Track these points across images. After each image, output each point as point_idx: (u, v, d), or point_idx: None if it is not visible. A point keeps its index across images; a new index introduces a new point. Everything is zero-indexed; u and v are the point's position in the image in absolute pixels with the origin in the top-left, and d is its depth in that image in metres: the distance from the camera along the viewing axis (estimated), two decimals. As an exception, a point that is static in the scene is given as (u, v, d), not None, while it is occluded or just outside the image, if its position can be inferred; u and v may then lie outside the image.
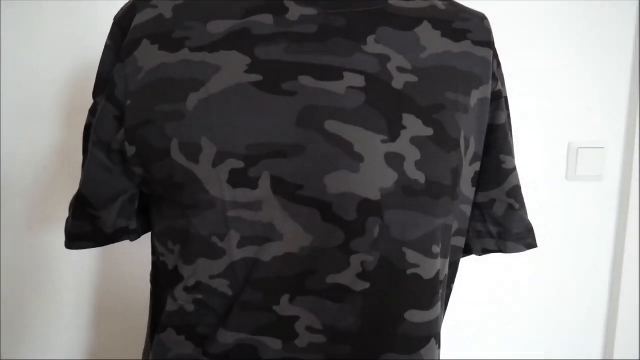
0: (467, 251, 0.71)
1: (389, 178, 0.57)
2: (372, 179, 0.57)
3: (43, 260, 1.06)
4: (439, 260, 0.62)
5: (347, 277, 0.58)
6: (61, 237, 1.06)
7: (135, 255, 1.07)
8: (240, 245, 0.58)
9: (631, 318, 1.27)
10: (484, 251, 0.70)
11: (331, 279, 0.58)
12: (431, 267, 0.60)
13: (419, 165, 0.58)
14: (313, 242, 0.58)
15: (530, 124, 1.18)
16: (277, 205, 0.57)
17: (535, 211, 1.20)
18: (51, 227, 1.05)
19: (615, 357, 1.28)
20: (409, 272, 0.59)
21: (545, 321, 1.28)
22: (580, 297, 1.28)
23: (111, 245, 1.07)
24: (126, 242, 1.06)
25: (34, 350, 1.08)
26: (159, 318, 0.65)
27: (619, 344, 1.28)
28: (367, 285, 0.58)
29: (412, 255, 0.59)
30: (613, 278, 1.28)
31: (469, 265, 1.18)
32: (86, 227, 0.67)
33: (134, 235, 0.69)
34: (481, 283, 1.24)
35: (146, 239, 0.71)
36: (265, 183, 0.57)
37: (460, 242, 0.68)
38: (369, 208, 0.57)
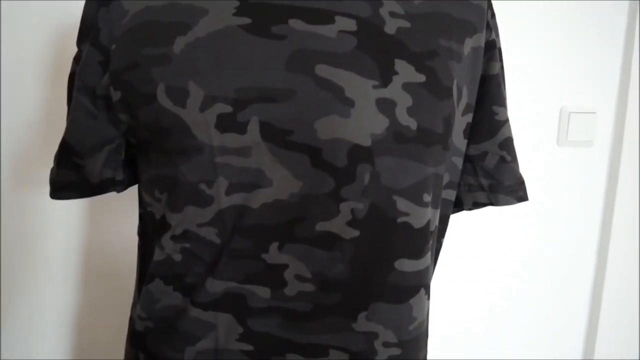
0: (458, 205, 0.70)
1: (380, 124, 0.56)
2: (363, 124, 0.56)
3: (30, 220, 1.05)
4: (430, 210, 0.61)
5: (337, 225, 0.58)
6: (48, 198, 1.05)
7: (124, 215, 1.06)
8: (229, 192, 0.58)
9: (619, 284, 1.29)
10: (475, 205, 0.70)
11: (321, 226, 0.58)
12: (421, 215, 0.60)
13: (410, 111, 0.57)
14: (302, 189, 0.57)
15: (522, 88, 1.18)
16: (266, 150, 0.56)
17: (525, 176, 1.21)
18: (37, 186, 1.04)
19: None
20: (399, 220, 0.59)
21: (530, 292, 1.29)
22: (567, 262, 1.28)
23: (100, 205, 1.06)
24: (115, 201, 1.06)
25: (24, 311, 1.07)
26: (147, 269, 0.65)
27: (605, 304, 1.29)
28: (356, 233, 0.58)
29: (402, 204, 0.58)
30: (601, 245, 1.28)
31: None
32: (71, 177, 0.65)
33: (120, 187, 0.68)
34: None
35: (135, 198, 0.70)
36: (254, 128, 0.56)
37: (451, 195, 0.67)
38: (359, 154, 0.56)
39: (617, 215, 1.25)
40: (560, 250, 1.27)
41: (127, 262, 0.93)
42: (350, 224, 0.58)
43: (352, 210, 0.57)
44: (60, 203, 1.04)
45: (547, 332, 1.33)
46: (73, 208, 1.05)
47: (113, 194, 1.03)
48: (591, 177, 1.25)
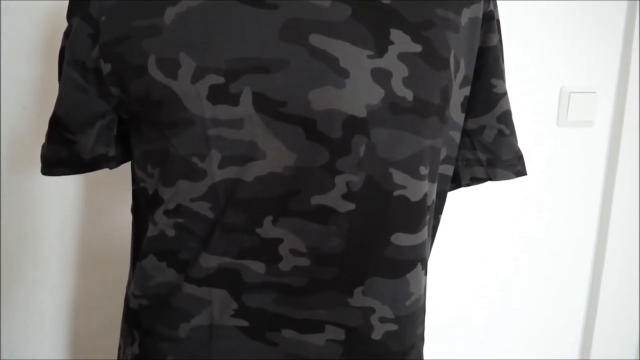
0: (455, 181, 0.69)
1: (376, 94, 0.55)
2: (358, 95, 0.55)
3: (26, 202, 1.04)
4: (426, 183, 0.60)
5: (332, 198, 0.57)
6: (44, 181, 1.05)
7: (120, 195, 1.05)
8: (222, 165, 0.57)
9: (618, 264, 1.28)
10: (473, 180, 0.69)
11: (315, 199, 0.57)
12: (418, 189, 0.59)
13: (406, 82, 0.56)
14: (297, 161, 0.56)
15: (522, 68, 1.16)
16: (260, 122, 0.55)
17: (524, 157, 1.20)
18: (32, 169, 1.03)
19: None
20: (395, 193, 0.58)
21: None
22: (567, 247, 1.27)
23: (95, 188, 1.06)
24: (110, 185, 1.05)
25: (23, 296, 1.07)
26: (140, 246, 0.64)
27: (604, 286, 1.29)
28: (352, 206, 0.57)
29: (398, 176, 0.58)
30: (600, 227, 1.27)
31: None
32: (63, 152, 0.64)
33: (113, 163, 0.67)
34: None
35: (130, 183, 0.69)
36: (246, 99, 0.55)
37: (448, 170, 0.66)
38: (354, 125, 0.55)
39: (617, 196, 1.24)
40: (559, 234, 1.26)
41: (123, 244, 0.92)
42: (345, 197, 0.57)
43: (347, 183, 0.56)
44: (56, 185, 1.03)
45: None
46: (69, 189, 1.04)
47: (108, 173, 1.02)
48: (591, 158, 1.24)
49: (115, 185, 1.04)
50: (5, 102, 1.00)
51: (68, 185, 1.04)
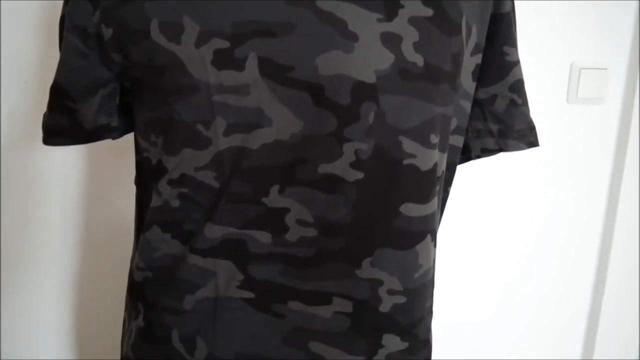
0: (465, 152, 0.68)
1: (385, 59, 0.54)
2: (367, 60, 0.53)
3: (27, 180, 1.03)
4: (437, 153, 0.59)
5: (340, 167, 0.55)
6: (47, 157, 1.04)
7: (124, 174, 1.04)
8: (227, 133, 0.55)
9: (625, 245, 1.26)
10: (483, 151, 0.67)
11: (323, 168, 0.55)
12: (428, 157, 0.57)
13: (417, 47, 0.54)
14: (304, 129, 0.54)
15: (531, 43, 1.14)
16: (266, 88, 0.54)
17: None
18: (34, 144, 1.02)
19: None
20: (405, 162, 0.56)
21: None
22: (573, 231, 1.26)
23: (99, 163, 1.04)
24: (114, 159, 1.04)
25: (26, 276, 1.06)
26: (145, 218, 0.63)
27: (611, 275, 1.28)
28: (360, 175, 0.56)
29: (408, 145, 0.56)
30: (609, 207, 1.26)
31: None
32: (64, 121, 0.63)
33: (115, 134, 0.66)
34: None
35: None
36: (252, 64, 0.53)
37: (458, 141, 0.65)
38: (363, 91, 0.54)
39: (627, 174, 1.22)
40: (566, 216, 1.25)
41: (127, 222, 0.91)
42: (353, 165, 0.55)
43: (355, 152, 0.55)
44: (58, 160, 1.02)
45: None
46: (72, 165, 1.03)
47: (112, 147, 1.01)
48: (601, 136, 1.22)
49: (119, 158, 1.03)
50: (6, 76, 0.99)
51: (70, 160, 1.03)
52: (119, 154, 1.02)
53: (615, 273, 1.27)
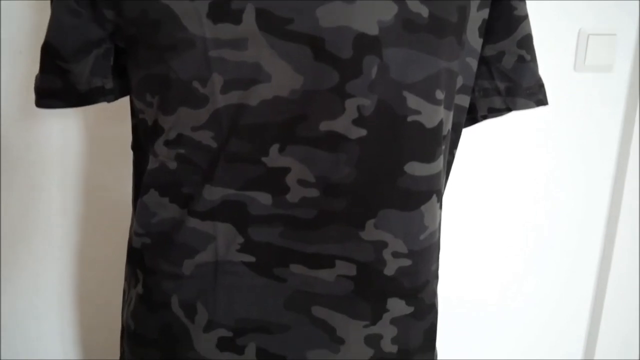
0: (471, 112, 0.65)
1: (388, 10, 0.52)
2: (370, 11, 0.51)
3: (25, 152, 1.02)
4: (442, 110, 0.57)
5: (342, 124, 0.53)
6: (44, 128, 1.02)
7: (123, 143, 1.02)
8: (224, 90, 0.53)
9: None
10: (490, 111, 0.65)
11: (324, 125, 0.54)
12: (433, 114, 0.55)
13: None
14: (304, 84, 0.53)
15: (538, 9, 1.10)
16: (264, 42, 0.52)
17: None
18: (30, 116, 1.00)
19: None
20: (409, 119, 0.54)
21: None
22: (580, 200, 1.24)
23: (98, 136, 1.03)
24: (113, 133, 1.02)
25: (26, 251, 1.06)
26: (141, 183, 0.61)
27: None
28: (363, 132, 0.54)
29: (413, 100, 0.54)
30: (616, 178, 1.23)
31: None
32: (56, 83, 0.61)
33: (110, 96, 0.64)
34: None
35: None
36: (250, 17, 0.51)
37: (464, 100, 0.63)
38: (365, 44, 0.52)
39: (634, 145, 1.20)
40: (572, 188, 1.22)
41: (127, 193, 0.90)
42: (356, 122, 0.53)
43: (358, 107, 0.53)
44: (57, 132, 1.00)
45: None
46: (71, 134, 1.01)
47: (109, 115, 0.99)
48: (609, 104, 1.19)
49: (118, 125, 1.01)
50: (1, 47, 0.97)
51: (69, 131, 1.01)
52: (119, 123, 1.00)
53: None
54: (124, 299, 0.69)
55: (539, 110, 1.11)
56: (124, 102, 0.66)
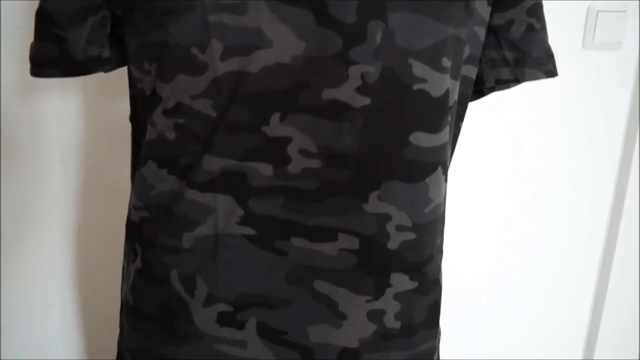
0: (478, 84, 0.64)
1: None
2: None
3: (24, 129, 1.00)
4: (449, 79, 0.55)
5: (345, 92, 0.52)
6: (44, 104, 1.00)
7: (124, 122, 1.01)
8: (224, 56, 0.52)
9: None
10: (498, 82, 0.63)
11: (327, 93, 0.52)
12: (440, 82, 0.54)
13: None
14: (306, 50, 0.51)
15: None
16: (265, 6, 0.50)
17: (544, 82, 1.13)
18: (30, 91, 0.98)
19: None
20: (415, 87, 0.53)
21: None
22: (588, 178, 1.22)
23: (97, 110, 1.01)
24: (112, 107, 1.01)
25: (28, 230, 1.05)
26: (140, 156, 0.60)
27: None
28: (367, 100, 0.52)
29: (418, 68, 0.52)
30: (624, 157, 1.21)
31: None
32: (52, 51, 0.59)
33: (107, 66, 0.62)
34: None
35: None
36: None
37: (471, 72, 0.61)
38: (370, 9, 0.50)
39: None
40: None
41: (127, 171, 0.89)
42: (360, 90, 0.52)
43: (362, 75, 0.51)
44: (56, 108, 0.99)
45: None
46: (70, 107, 1.00)
47: (111, 86, 0.97)
48: (618, 83, 1.17)
49: (118, 102, 1.00)
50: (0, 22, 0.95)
51: (69, 105, 1.00)
52: (120, 99, 0.99)
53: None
54: (123, 275, 0.68)
55: (547, 86, 1.10)
56: (124, 77, 0.65)
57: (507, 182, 1.19)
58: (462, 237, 1.16)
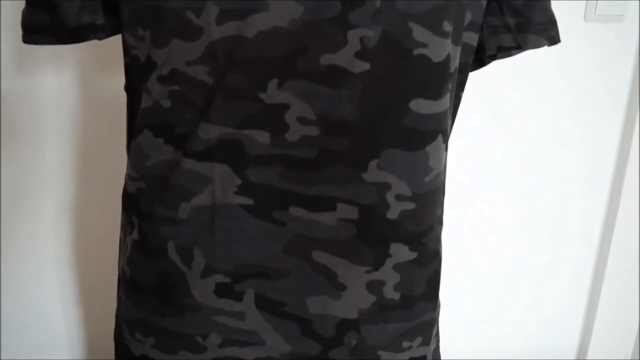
0: (479, 53, 0.62)
1: None
2: None
3: (24, 103, 0.99)
4: (450, 44, 0.54)
5: (344, 57, 0.51)
6: (39, 79, 0.99)
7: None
8: (220, 20, 0.50)
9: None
10: (500, 50, 0.62)
11: (325, 59, 0.51)
12: (441, 47, 0.52)
13: None
14: (304, 14, 0.50)
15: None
16: None
17: (546, 56, 1.12)
18: (30, 65, 0.97)
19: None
20: (415, 52, 0.52)
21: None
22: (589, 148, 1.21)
23: (94, 87, 1.00)
24: (109, 80, 0.99)
25: (26, 204, 1.04)
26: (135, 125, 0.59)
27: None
28: (366, 66, 0.51)
29: (419, 32, 0.51)
30: (625, 129, 1.20)
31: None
32: (44, 18, 0.58)
33: (101, 33, 0.60)
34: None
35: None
36: None
37: (472, 39, 0.59)
38: None
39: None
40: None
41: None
42: (359, 55, 0.51)
43: (361, 39, 0.50)
44: (55, 83, 0.97)
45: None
46: (67, 83, 0.99)
47: (108, 59, 0.96)
48: (619, 55, 1.16)
49: (114, 75, 0.98)
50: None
51: (65, 80, 0.98)
52: (116, 68, 0.98)
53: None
54: (120, 247, 0.67)
55: (547, 58, 1.08)
56: (120, 50, 0.64)
57: (506, 160, 1.18)
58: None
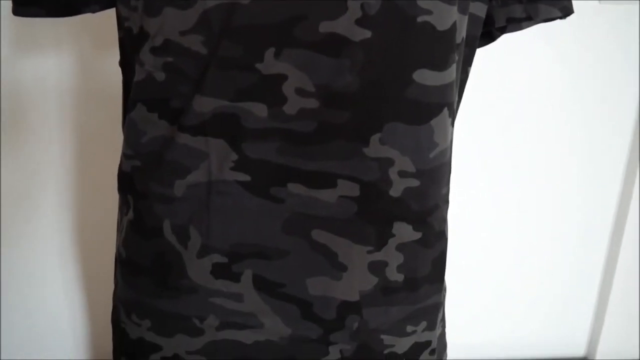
0: (488, 25, 0.60)
1: None
2: None
3: (23, 89, 0.98)
4: (456, 11, 0.51)
5: (344, 24, 0.48)
6: (38, 70, 0.98)
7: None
8: None
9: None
10: (509, 21, 0.59)
11: (325, 26, 0.48)
12: (446, 14, 0.50)
13: None
14: None
15: None
16: None
17: (560, 39, 1.09)
18: (30, 48, 0.96)
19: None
20: (419, 19, 0.49)
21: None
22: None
23: (93, 72, 0.98)
24: (107, 65, 0.98)
25: (27, 195, 1.03)
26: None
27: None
28: (368, 34, 0.49)
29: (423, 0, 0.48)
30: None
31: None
32: (35, -13, 0.56)
33: (95, 6, 0.58)
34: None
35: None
36: None
37: (480, 10, 0.57)
38: None
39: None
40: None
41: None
42: (360, 22, 0.48)
43: (362, 6, 0.48)
44: (54, 72, 0.96)
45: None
46: (66, 66, 0.97)
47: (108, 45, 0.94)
48: (634, 36, 1.12)
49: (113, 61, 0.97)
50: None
51: (65, 63, 0.97)
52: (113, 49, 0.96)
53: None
54: (118, 228, 0.65)
55: (560, 39, 1.05)
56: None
57: (515, 150, 1.16)
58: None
